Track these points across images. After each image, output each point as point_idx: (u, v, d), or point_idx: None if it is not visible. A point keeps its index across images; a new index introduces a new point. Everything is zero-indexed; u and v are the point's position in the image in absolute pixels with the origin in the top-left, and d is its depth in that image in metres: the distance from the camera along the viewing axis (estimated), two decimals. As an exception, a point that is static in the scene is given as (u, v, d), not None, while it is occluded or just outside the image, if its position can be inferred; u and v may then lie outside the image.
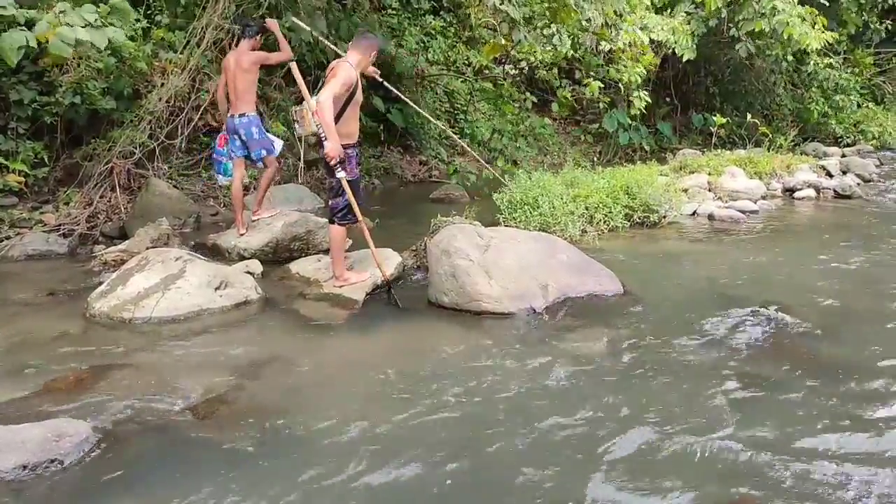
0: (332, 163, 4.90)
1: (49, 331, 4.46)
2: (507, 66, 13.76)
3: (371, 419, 3.40)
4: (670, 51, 12.77)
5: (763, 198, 9.41)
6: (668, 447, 3.13)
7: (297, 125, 5.15)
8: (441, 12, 14.01)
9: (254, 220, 6.44)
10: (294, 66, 5.64)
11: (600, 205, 7.51)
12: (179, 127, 7.87)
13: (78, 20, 5.44)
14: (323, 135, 4.85)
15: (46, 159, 7.19)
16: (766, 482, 2.88)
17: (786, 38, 12.12)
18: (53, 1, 5.65)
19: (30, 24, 5.55)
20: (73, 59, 7.26)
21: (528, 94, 12.88)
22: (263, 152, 6.37)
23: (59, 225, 6.61)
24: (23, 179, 6.84)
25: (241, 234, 6.29)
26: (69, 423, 3.16)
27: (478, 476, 2.94)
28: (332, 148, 4.80)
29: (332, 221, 5.23)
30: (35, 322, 4.65)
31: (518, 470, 2.97)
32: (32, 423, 3.13)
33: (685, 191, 9.12)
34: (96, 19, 5.54)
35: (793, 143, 13.19)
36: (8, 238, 6.27)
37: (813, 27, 12.26)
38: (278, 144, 6.65)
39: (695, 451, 3.10)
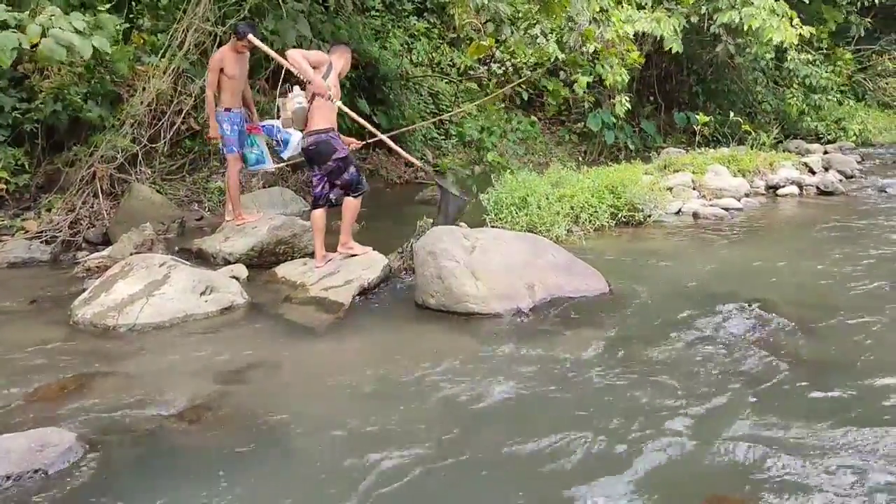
0: (325, 97, 5.31)
1: (32, 339, 4.41)
2: (492, 66, 13.79)
3: (358, 422, 3.39)
4: (654, 48, 12.84)
5: (747, 195, 9.47)
6: (654, 446, 3.14)
7: (281, 112, 5.50)
8: (425, 14, 14.03)
9: (238, 225, 6.42)
10: (255, 40, 6.05)
11: (586, 204, 7.53)
12: (162, 131, 7.83)
13: (67, 26, 5.43)
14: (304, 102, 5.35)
15: (27, 166, 7.12)
16: (750, 479, 2.90)
17: (745, 28, 12.22)
18: (42, 5, 5.62)
19: (19, 28, 5.51)
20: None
21: (519, 89, 12.83)
22: (223, 150, 6.55)
23: (42, 232, 6.55)
24: (4, 186, 6.78)
25: (238, 223, 6.49)
26: (54, 433, 3.12)
27: (465, 476, 2.94)
28: (318, 85, 5.24)
29: (330, 204, 5.56)
30: (18, 330, 4.60)
31: (506, 470, 2.98)
32: (16, 433, 3.10)
33: (670, 189, 9.16)
34: (84, 27, 5.53)
35: (775, 141, 13.30)
36: (-11, 246, 6.21)
37: (791, 22, 12.35)
38: (295, 137, 6.30)
39: (680, 450, 3.12)
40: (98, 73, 7.42)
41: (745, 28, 12.19)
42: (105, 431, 3.28)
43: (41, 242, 6.40)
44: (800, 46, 13.63)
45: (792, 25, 12.30)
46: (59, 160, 7.34)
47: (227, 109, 6.31)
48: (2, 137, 6.97)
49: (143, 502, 2.76)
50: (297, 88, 5.52)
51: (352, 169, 5.50)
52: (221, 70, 6.21)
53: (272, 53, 5.63)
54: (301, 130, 5.52)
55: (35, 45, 5.41)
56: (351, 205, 5.55)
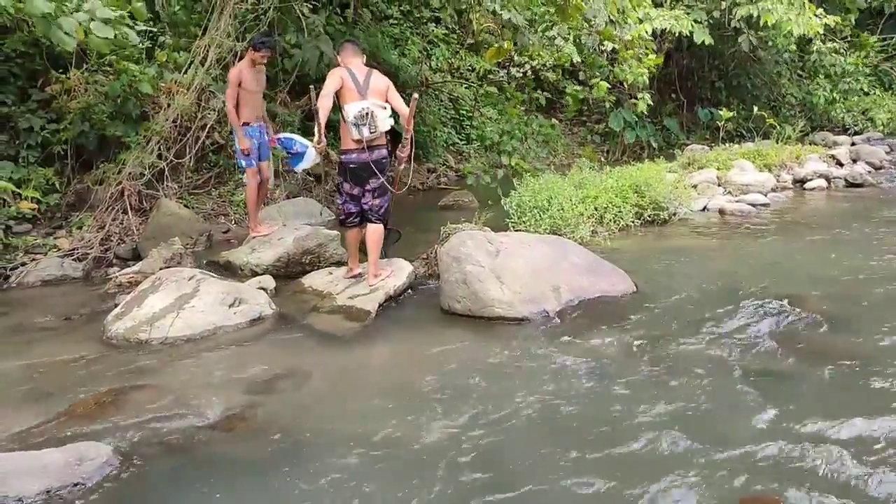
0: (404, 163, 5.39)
1: (67, 355, 4.49)
2: (511, 69, 13.79)
3: (389, 431, 3.41)
4: (674, 45, 12.75)
5: (773, 190, 9.37)
6: (687, 447, 3.12)
7: (364, 128, 5.04)
8: (442, 20, 14.07)
9: (254, 237, 6.50)
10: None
11: (609, 205, 7.50)
12: (187, 146, 7.94)
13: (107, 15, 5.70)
14: (406, 137, 5.22)
15: (58, 185, 7.27)
16: (785, 478, 2.87)
17: (762, 24, 12.07)
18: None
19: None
20: (80, 84, 7.37)
21: (538, 92, 12.80)
22: (242, 163, 6.55)
23: (73, 249, 6.67)
24: (36, 206, 6.91)
25: (254, 236, 6.53)
26: (90, 447, 3.18)
27: (500, 485, 2.93)
28: (409, 148, 5.28)
29: (369, 221, 5.40)
30: (53, 347, 4.68)
31: (540, 476, 2.97)
32: (54, 448, 3.16)
33: (694, 187, 9.09)
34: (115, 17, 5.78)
35: (801, 134, 13.11)
36: (23, 264, 6.33)
37: (814, 13, 12.17)
38: (310, 154, 6.53)
39: (715, 449, 3.09)
40: (123, 92, 7.56)
41: (763, 23, 12.06)
42: (140, 444, 3.34)
43: (73, 260, 6.52)
44: (824, 36, 13.43)
45: (816, 15, 12.12)
46: (88, 178, 7.48)
47: (245, 123, 6.39)
48: (32, 158, 7.14)
49: (180, 513, 2.81)
50: (388, 106, 5.19)
51: (388, 193, 5.46)
52: (240, 84, 6.28)
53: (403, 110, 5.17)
54: (370, 141, 5.20)
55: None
56: (378, 234, 5.41)
